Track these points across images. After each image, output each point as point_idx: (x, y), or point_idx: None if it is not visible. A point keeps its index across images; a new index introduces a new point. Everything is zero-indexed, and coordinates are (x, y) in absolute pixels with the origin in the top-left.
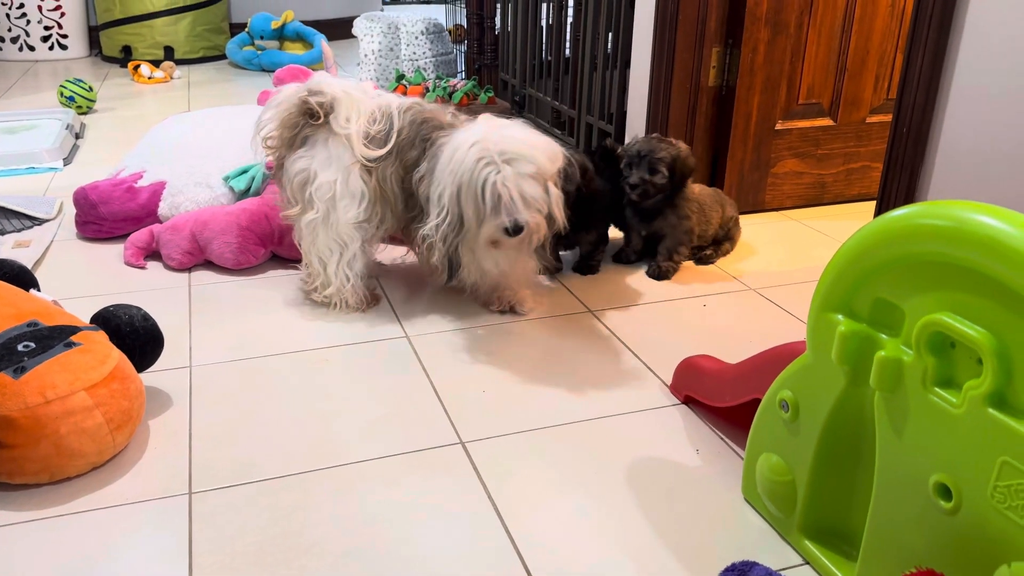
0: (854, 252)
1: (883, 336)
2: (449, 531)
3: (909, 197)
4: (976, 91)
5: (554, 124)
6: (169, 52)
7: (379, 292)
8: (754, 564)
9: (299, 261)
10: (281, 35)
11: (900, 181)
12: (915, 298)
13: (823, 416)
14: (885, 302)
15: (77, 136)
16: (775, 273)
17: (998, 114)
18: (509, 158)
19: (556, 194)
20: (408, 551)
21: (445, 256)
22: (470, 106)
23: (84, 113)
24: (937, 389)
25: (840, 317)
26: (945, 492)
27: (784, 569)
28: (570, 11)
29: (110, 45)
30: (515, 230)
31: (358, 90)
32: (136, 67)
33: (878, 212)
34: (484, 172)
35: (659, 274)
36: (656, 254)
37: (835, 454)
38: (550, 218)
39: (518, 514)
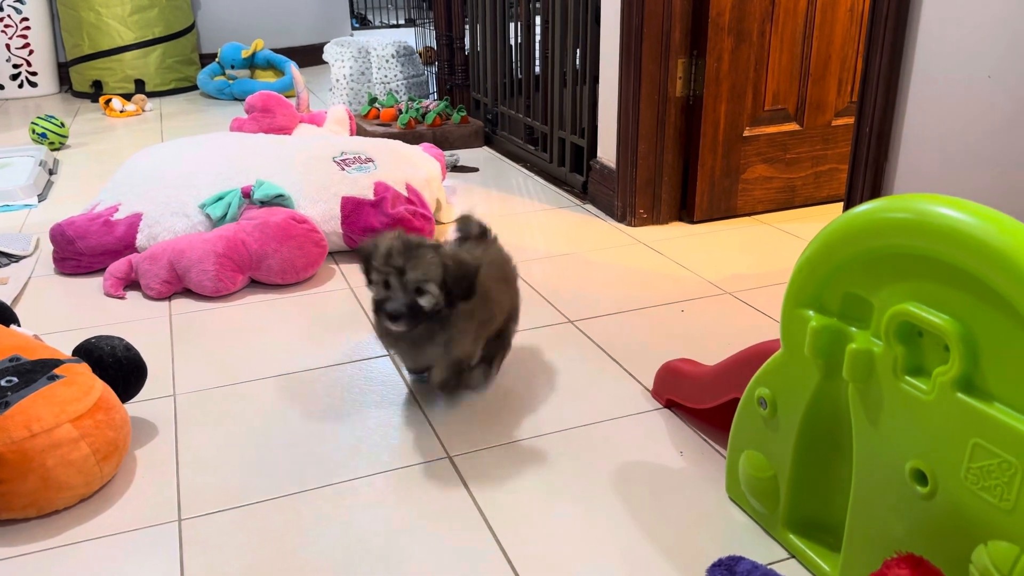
0: (821, 249)
1: (853, 329)
2: (441, 543)
3: (875, 195)
4: (933, 90)
5: (528, 141)
6: (140, 85)
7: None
8: (740, 559)
9: (278, 287)
10: (252, 64)
11: (865, 180)
12: (882, 290)
13: (800, 411)
14: (854, 295)
15: (51, 172)
16: (749, 276)
17: (955, 111)
18: None
19: None
20: (401, 566)
21: None
22: (443, 127)
23: (57, 149)
24: (908, 377)
25: (811, 313)
26: (921, 477)
27: (770, 563)
28: (538, 29)
29: (80, 80)
30: None
31: None
32: (107, 101)
33: (846, 211)
34: None
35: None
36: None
37: (814, 447)
38: None
39: (508, 524)
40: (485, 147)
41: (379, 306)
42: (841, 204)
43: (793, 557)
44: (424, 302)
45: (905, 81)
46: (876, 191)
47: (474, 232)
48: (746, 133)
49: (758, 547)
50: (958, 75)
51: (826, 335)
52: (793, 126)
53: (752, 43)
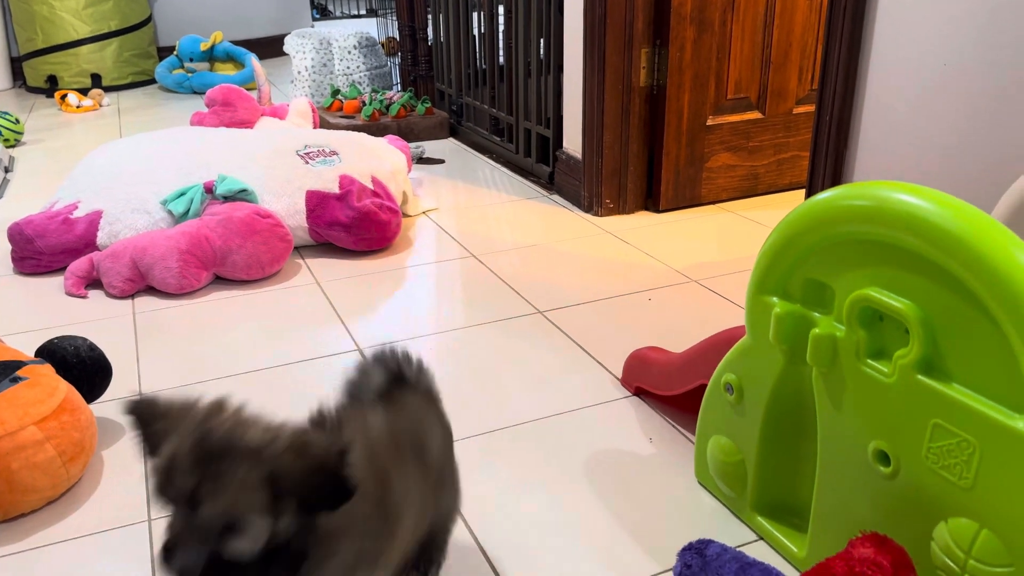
0: (783, 237)
1: (816, 314)
2: None
3: (835, 182)
4: (891, 78)
5: (493, 131)
6: (97, 79)
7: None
8: (710, 542)
9: (243, 283)
10: (211, 56)
11: (826, 167)
12: (843, 276)
13: (766, 396)
14: (816, 282)
15: (6, 170)
16: (715, 263)
17: (912, 99)
18: None
19: None
20: None
21: None
22: (407, 118)
23: (12, 146)
24: (869, 361)
25: (775, 299)
26: (884, 458)
27: (739, 546)
28: (501, 19)
29: (34, 75)
30: None
31: None
32: (63, 96)
33: (807, 198)
34: None
35: None
36: None
37: (780, 431)
38: None
39: (482, 515)
40: (451, 138)
41: (165, 556)
42: (803, 191)
43: (761, 539)
44: (241, 546)
45: (864, 70)
46: (837, 178)
47: (377, 385)
48: (709, 122)
49: (727, 530)
50: (916, 64)
51: (790, 321)
52: (755, 114)
53: (714, 32)
